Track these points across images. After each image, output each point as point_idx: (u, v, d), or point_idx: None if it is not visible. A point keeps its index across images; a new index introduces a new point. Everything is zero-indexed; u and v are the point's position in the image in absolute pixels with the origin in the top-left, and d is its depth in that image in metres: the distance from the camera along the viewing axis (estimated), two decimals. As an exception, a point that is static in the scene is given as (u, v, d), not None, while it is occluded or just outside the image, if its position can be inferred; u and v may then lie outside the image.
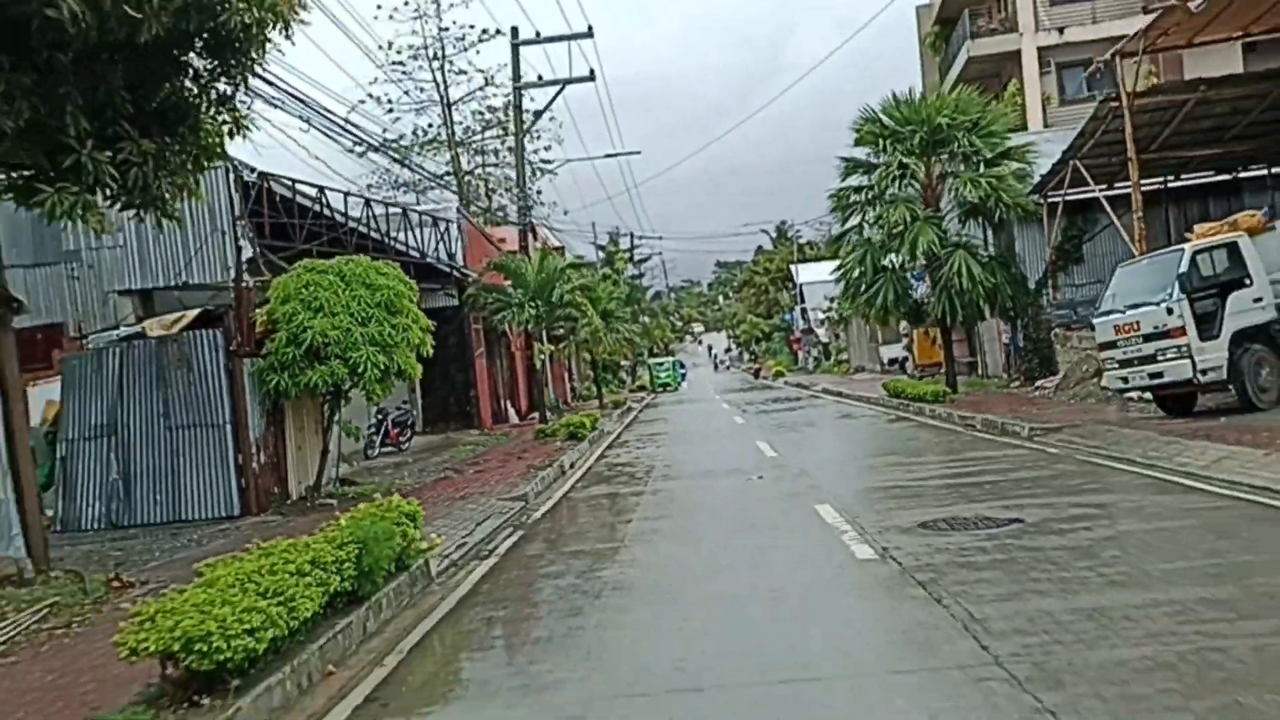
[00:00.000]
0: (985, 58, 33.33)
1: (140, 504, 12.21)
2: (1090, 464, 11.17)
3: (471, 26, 43.45)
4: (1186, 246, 13.27)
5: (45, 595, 7.35)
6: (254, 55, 8.91)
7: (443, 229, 23.42)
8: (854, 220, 23.68)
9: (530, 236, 30.70)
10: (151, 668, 4.92)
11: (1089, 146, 18.19)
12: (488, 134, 45.21)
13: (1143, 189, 20.57)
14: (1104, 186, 19.95)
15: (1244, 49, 21.40)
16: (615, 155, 47.68)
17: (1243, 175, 21.61)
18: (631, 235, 71.09)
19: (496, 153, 45.79)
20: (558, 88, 29.84)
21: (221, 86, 9.26)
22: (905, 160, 21.47)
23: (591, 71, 29.79)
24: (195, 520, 12.06)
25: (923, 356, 34.81)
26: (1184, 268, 12.77)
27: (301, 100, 17.02)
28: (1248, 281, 12.81)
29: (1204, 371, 12.65)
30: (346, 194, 18.10)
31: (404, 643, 6.27)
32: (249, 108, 10.28)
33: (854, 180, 23.21)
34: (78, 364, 12.71)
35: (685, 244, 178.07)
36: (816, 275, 58.29)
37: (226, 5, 7.91)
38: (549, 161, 44.73)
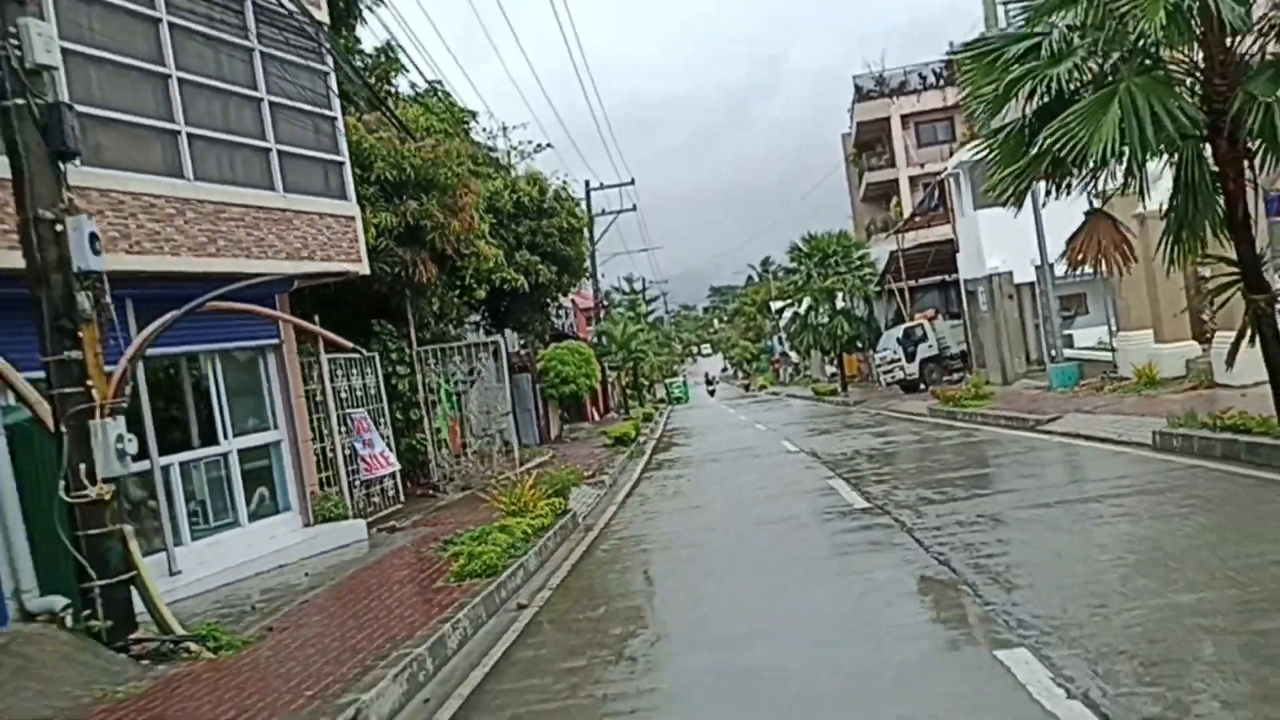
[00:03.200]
0: (878, 182, 53.34)
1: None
2: (861, 410, 30.87)
3: (530, 140, 63.74)
4: (903, 326, 33.25)
5: (541, 452, 26.89)
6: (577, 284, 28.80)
7: (565, 310, 43.21)
8: (790, 298, 43.59)
9: (602, 308, 50.62)
10: (602, 444, 24.66)
11: (892, 270, 37.94)
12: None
13: (932, 282, 40.40)
14: (913, 281, 39.66)
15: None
16: (645, 250, 67.61)
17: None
18: (644, 279, 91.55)
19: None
20: (612, 217, 49.79)
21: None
22: (811, 270, 41.36)
23: (634, 205, 49.79)
24: (525, 445, 31.55)
25: (850, 370, 54.67)
26: (899, 335, 32.73)
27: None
28: (927, 339, 32.71)
29: (909, 375, 32.53)
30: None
31: (649, 446, 26.16)
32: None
33: (787, 278, 43.17)
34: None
35: (684, 266, 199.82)
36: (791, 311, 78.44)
37: (580, 271, 27.73)
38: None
